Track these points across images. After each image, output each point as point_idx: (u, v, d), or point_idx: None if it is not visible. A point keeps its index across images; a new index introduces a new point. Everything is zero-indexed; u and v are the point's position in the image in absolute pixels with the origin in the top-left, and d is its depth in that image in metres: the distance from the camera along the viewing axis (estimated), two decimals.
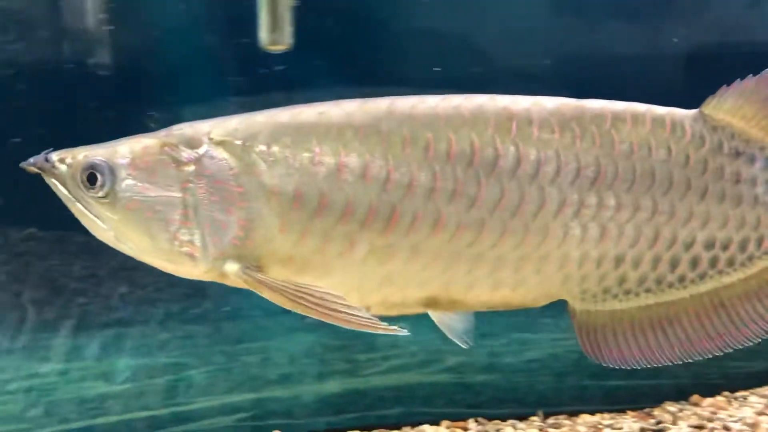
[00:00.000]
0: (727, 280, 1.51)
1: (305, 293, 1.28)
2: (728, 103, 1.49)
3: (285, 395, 2.45)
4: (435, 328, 2.61)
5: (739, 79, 1.52)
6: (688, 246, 1.47)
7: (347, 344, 2.56)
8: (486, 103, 1.37)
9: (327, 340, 2.55)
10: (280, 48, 2.11)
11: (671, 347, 1.50)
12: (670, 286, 1.49)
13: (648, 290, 1.48)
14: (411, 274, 1.36)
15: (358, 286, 1.36)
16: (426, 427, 2.36)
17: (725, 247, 1.49)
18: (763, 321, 1.51)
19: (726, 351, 1.53)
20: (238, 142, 1.28)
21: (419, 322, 2.61)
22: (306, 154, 1.28)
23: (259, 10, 2.08)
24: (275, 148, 1.27)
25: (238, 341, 2.51)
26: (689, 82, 2.48)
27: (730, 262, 1.50)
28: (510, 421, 2.37)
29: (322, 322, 2.58)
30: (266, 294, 1.31)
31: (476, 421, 2.37)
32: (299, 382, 2.48)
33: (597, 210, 1.40)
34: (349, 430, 2.37)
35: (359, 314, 1.29)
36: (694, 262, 1.49)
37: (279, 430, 2.34)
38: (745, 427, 2.13)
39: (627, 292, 1.47)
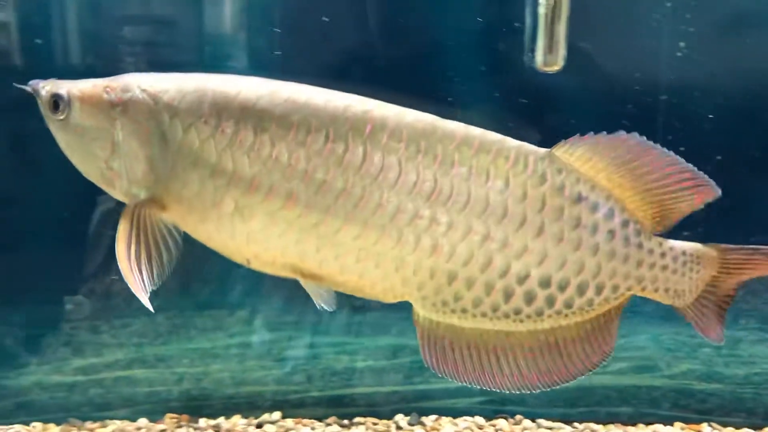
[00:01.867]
0: (564, 322, 1.54)
1: (136, 246, 1.52)
2: (578, 152, 1.52)
3: None
4: (651, 337, 2.73)
5: (592, 132, 1.54)
6: (522, 279, 1.51)
7: None
8: (354, 104, 1.52)
9: None
10: (553, 69, 2.31)
11: (503, 376, 1.54)
12: (506, 316, 1.53)
13: (484, 315, 1.53)
14: (270, 238, 1.51)
15: (231, 237, 1.53)
16: (659, 426, 2.47)
17: (562, 289, 1.52)
18: (589, 361, 1.55)
19: (551, 388, 1.55)
20: (156, 93, 1.55)
21: (633, 330, 2.74)
22: (197, 113, 1.52)
23: (537, 33, 2.30)
24: (177, 104, 1.53)
25: None
26: None
27: (568, 305, 1.53)
28: (744, 430, 2.44)
29: None
30: (120, 228, 1.54)
31: (710, 426, 2.46)
32: None
33: (430, 223, 1.48)
34: (584, 422, 2.52)
35: (138, 279, 1.49)
36: (529, 297, 1.52)
37: (520, 415, 2.53)
38: None
39: (464, 311, 1.53)
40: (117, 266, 1.50)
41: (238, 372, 2.61)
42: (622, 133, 1.53)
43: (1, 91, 2.02)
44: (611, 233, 1.53)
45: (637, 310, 2.71)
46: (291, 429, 2.34)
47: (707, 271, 1.58)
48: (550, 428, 2.43)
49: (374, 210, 1.49)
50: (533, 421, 2.49)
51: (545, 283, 1.52)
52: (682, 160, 1.55)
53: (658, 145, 1.54)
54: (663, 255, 1.56)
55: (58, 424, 2.43)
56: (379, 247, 1.50)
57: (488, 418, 2.52)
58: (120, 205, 1.60)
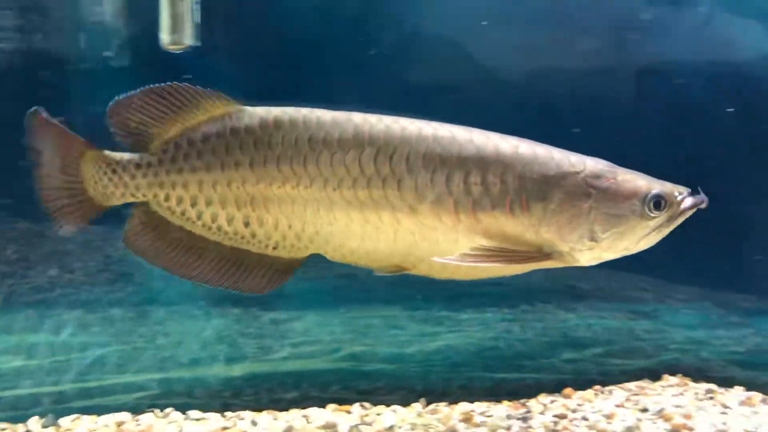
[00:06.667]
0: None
1: None
2: None
3: (191, 376, 2.59)
4: (340, 320, 2.78)
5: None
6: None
7: (259, 332, 2.71)
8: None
9: (241, 327, 2.70)
10: (180, 48, 2.23)
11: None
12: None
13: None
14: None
15: None
16: (313, 409, 2.49)
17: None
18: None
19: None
20: None
21: (324, 313, 2.77)
22: None
23: (159, 11, 2.22)
24: None
25: (155, 325, 2.65)
26: None
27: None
28: (393, 407, 2.51)
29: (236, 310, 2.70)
30: None
31: (361, 406, 2.51)
32: (208, 365, 2.62)
33: None
34: (242, 410, 2.50)
35: None
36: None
37: (173, 407, 2.46)
38: (601, 418, 2.28)
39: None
40: None
41: None
42: None
43: None
44: None
45: (306, 296, 2.74)
46: None
47: None
48: (198, 419, 2.37)
49: None
50: (183, 413, 2.42)
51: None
52: None
53: None
54: None
55: None
56: None
57: (140, 412, 2.43)
58: None
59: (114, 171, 1.81)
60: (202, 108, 1.81)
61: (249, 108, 1.83)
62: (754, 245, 2.95)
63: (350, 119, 1.77)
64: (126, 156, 1.83)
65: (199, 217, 1.83)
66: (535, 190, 1.70)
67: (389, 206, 1.74)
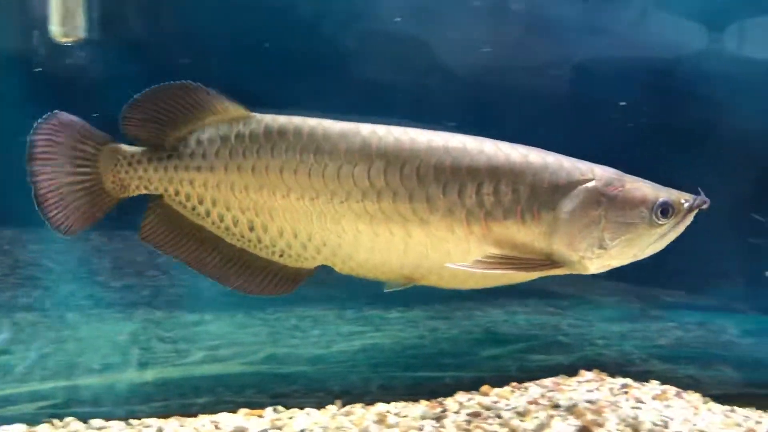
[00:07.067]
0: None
1: None
2: None
3: (100, 383, 2.48)
4: (264, 321, 2.69)
5: None
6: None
7: (177, 335, 2.61)
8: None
9: (159, 331, 2.60)
10: (72, 40, 2.15)
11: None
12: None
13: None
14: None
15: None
16: (224, 414, 2.42)
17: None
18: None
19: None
20: None
21: (249, 314, 2.68)
22: None
23: (49, 3, 2.12)
24: None
25: (66, 330, 2.54)
26: None
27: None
28: (307, 409, 2.44)
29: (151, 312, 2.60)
30: None
31: (274, 410, 2.44)
32: (118, 371, 2.51)
33: None
34: (149, 417, 2.40)
35: None
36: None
37: (74, 417, 2.36)
38: (514, 415, 2.24)
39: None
40: None
41: None
42: None
43: None
44: None
45: (217, 298, 2.64)
46: None
47: None
48: (100, 428, 2.27)
49: None
50: (84, 422, 2.32)
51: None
52: None
53: None
54: None
55: None
56: None
57: (38, 423, 2.32)
58: None
59: (130, 164, 1.84)
60: (213, 110, 1.83)
61: (258, 114, 1.85)
62: (678, 238, 2.95)
63: (358, 131, 1.77)
64: (140, 150, 1.87)
65: (208, 214, 1.86)
66: (546, 199, 1.71)
67: (400, 219, 1.73)
